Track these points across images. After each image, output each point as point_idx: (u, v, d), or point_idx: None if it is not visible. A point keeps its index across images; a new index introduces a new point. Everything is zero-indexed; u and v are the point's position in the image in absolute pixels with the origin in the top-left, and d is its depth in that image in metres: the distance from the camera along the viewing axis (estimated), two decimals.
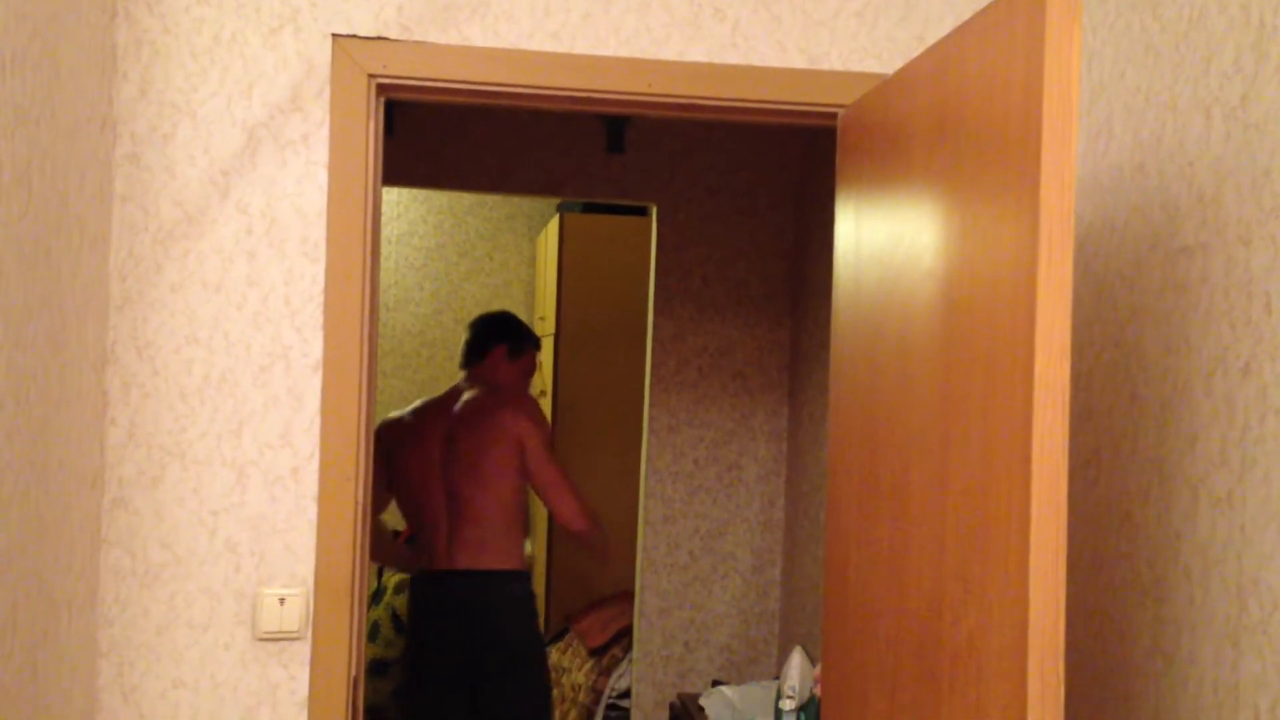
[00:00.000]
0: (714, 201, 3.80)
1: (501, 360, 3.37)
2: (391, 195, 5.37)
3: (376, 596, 4.56)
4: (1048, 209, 1.33)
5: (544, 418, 3.29)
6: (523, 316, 5.52)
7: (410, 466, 3.29)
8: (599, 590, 4.59)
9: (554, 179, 3.72)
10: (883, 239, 1.80)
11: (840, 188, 2.01)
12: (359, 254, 1.99)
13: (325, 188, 1.97)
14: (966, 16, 2.12)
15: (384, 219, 5.34)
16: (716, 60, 2.08)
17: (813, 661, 2.84)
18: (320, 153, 1.97)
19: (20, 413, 1.53)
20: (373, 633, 4.48)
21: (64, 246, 1.70)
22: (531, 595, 3.29)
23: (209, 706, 1.95)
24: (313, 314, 1.98)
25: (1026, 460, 1.32)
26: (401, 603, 4.49)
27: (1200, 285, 1.63)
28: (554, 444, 3.30)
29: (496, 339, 3.38)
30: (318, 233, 1.98)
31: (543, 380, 5.00)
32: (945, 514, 1.53)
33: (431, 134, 3.65)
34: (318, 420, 1.99)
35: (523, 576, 3.28)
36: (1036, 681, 1.30)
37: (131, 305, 1.93)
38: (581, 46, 2.04)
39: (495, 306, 5.50)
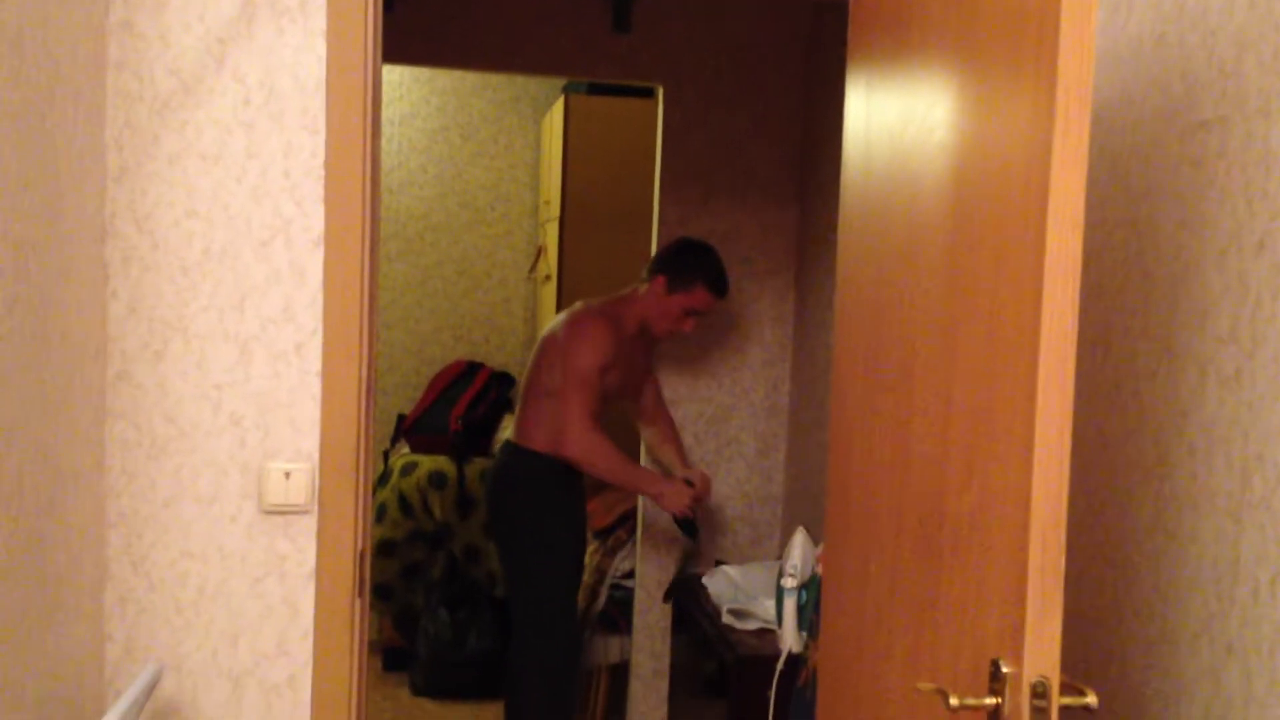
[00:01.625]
0: (722, 83, 3.73)
1: (659, 291, 3.35)
2: (393, 76, 5.28)
3: (383, 479, 4.61)
4: (1065, 78, 1.30)
5: (590, 338, 3.30)
6: (527, 200, 5.48)
7: None
8: None
9: (559, 58, 3.65)
10: (894, 114, 1.76)
11: (851, 62, 1.96)
12: (359, 127, 1.96)
13: (324, 58, 1.93)
14: None
15: (386, 100, 5.26)
16: None
17: (815, 542, 2.88)
18: (318, 21, 1.92)
19: (19, 282, 1.52)
20: (380, 514, 4.54)
21: (59, 115, 1.66)
22: (538, 476, 3.35)
23: (217, 576, 1.98)
24: (313, 188, 1.96)
25: (1035, 334, 1.31)
26: (407, 485, 4.54)
27: (1217, 160, 1.59)
28: (590, 372, 3.29)
29: (660, 268, 3.36)
30: (317, 104, 1.94)
31: (548, 265, 4.98)
32: (951, 390, 1.53)
33: (433, 10, 3.57)
34: (320, 296, 1.97)
35: (539, 456, 3.35)
36: (1038, 554, 1.30)
37: (129, 177, 1.90)
38: None
39: (501, 190, 5.45)
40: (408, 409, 5.29)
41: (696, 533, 3.47)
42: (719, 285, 3.36)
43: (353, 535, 2.01)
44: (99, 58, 1.85)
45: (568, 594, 3.47)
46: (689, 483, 3.41)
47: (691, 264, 3.34)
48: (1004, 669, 1.31)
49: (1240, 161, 1.54)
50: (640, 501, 3.86)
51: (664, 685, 3.85)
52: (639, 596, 3.85)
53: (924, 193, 1.63)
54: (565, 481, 3.38)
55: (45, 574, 1.66)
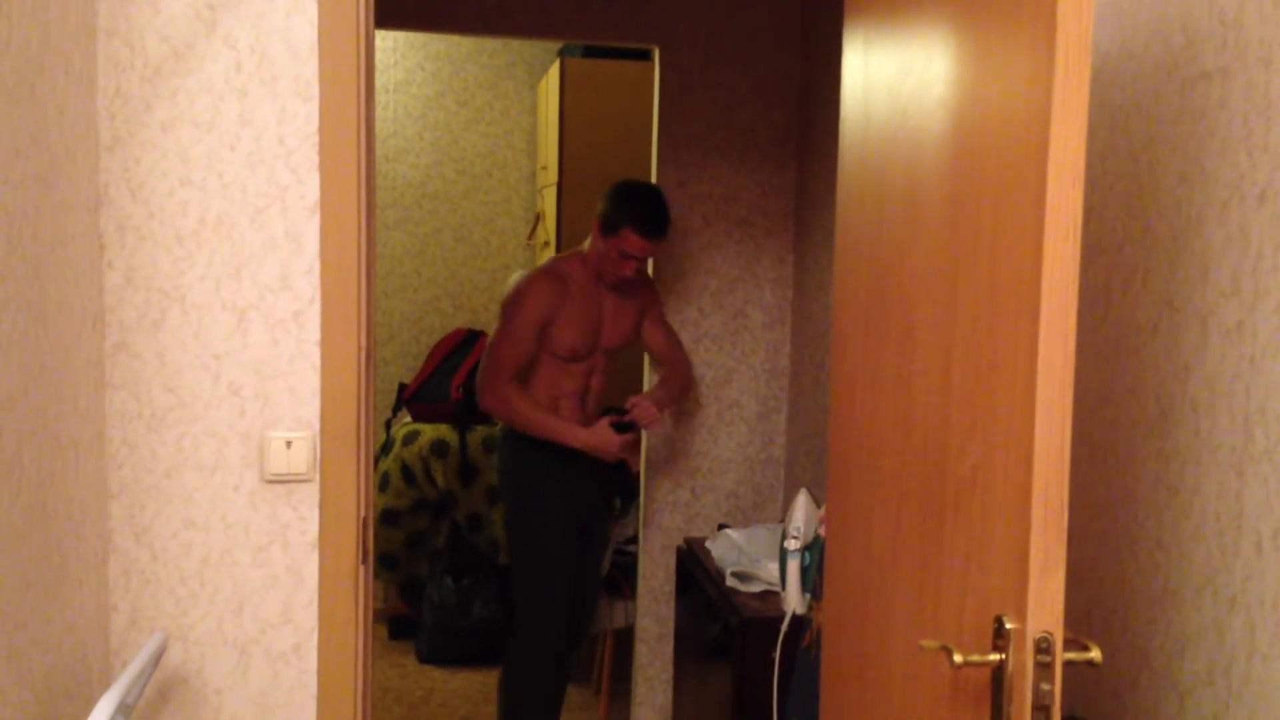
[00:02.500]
0: (719, 43, 3.70)
1: (595, 236, 3.33)
2: (386, 42, 5.24)
3: (385, 448, 4.61)
4: (1064, 29, 1.28)
5: (522, 296, 3.29)
6: (524, 166, 5.45)
7: None
8: None
9: (554, 21, 3.62)
10: (892, 70, 1.75)
11: (849, 16, 1.94)
12: (353, 92, 1.94)
13: (315, 22, 1.91)
14: None
15: (380, 66, 5.22)
16: None
17: (817, 504, 2.88)
18: None
19: (14, 253, 1.51)
20: (383, 483, 4.54)
21: (49, 83, 1.65)
22: (528, 445, 3.36)
23: (221, 546, 1.98)
24: (308, 154, 1.94)
25: (1036, 289, 1.30)
26: (410, 454, 4.54)
27: (1218, 111, 1.58)
28: (518, 328, 3.30)
29: (599, 210, 3.32)
30: (310, 70, 1.93)
31: (546, 231, 4.96)
32: (952, 347, 1.52)
33: None
34: (317, 264, 1.96)
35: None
36: (1040, 510, 1.30)
37: (122, 145, 1.89)
38: None
39: (498, 156, 5.43)
40: (408, 378, 5.28)
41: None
42: (645, 226, 3.24)
43: (355, 503, 2.01)
44: (88, 25, 1.83)
45: (560, 572, 3.38)
46: (624, 424, 3.34)
47: (618, 206, 3.25)
48: (1008, 625, 1.31)
49: (1241, 112, 1.53)
50: (643, 466, 3.86)
51: (669, 649, 3.87)
52: (643, 561, 3.86)
53: (923, 149, 1.62)
54: (561, 450, 3.34)
55: (48, 546, 1.66)
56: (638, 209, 3.24)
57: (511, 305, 3.31)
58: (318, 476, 1.99)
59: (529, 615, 3.38)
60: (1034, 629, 1.28)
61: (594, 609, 3.72)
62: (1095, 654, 1.32)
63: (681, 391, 3.65)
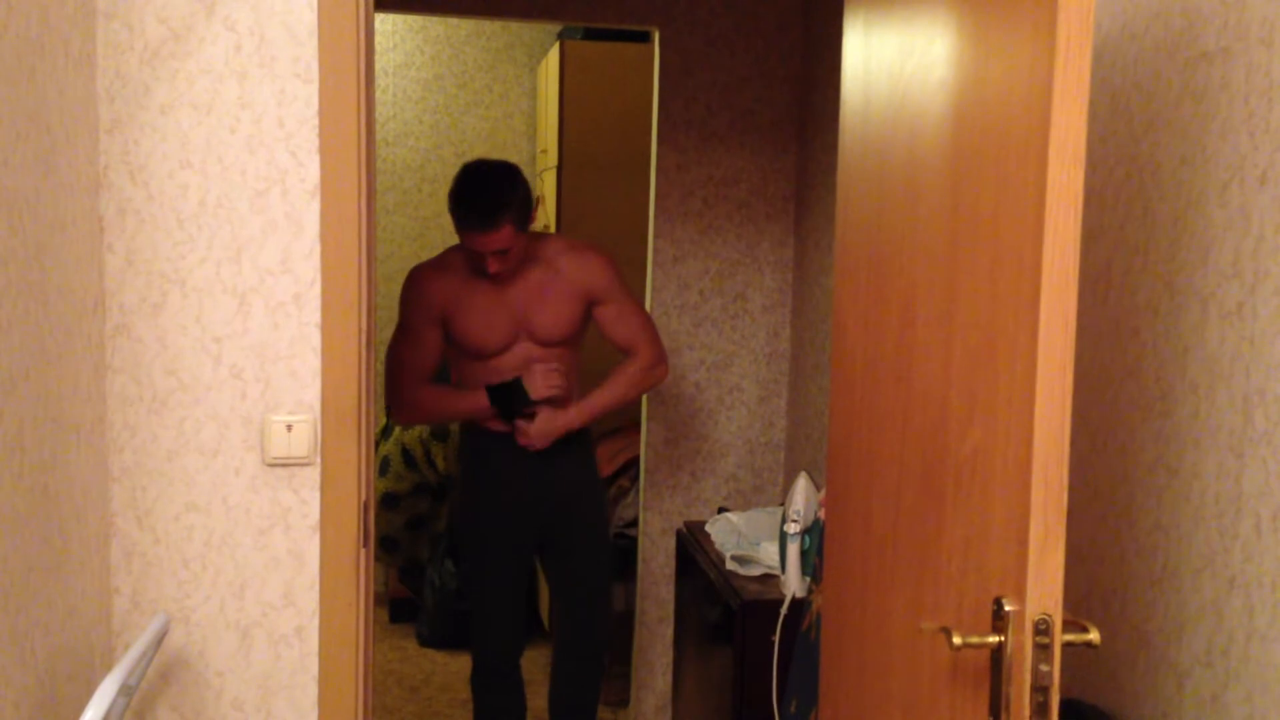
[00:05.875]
0: (719, 25, 3.69)
1: None
2: (386, 25, 5.23)
3: (386, 432, 4.62)
4: (1066, 9, 1.28)
5: (400, 298, 3.06)
6: (524, 149, 5.45)
7: None
8: (606, 423, 4.64)
9: (553, 2, 3.61)
10: (892, 52, 1.74)
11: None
12: (352, 74, 1.94)
13: (314, 3, 1.90)
14: None
15: (379, 51, 5.21)
16: None
17: (817, 487, 2.88)
18: None
19: (14, 234, 1.51)
20: (383, 467, 4.55)
21: (48, 65, 1.64)
22: (460, 449, 3.23)
23: (222, 529, 1.98)
24: (308, 137, 1.94)
25: (1036, 271, 1.30)
26: (410, 438, 4.54)
27: (1219, 92, 1.57)
28: (398, 328, 3.07)
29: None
30: (309, 52, 1.92)
31: (546, 214, 4.95)
32: (952, 329, 1.52)
33: None
34: (317, 246, 1.96)
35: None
36: (1040, 492, 1.31)
37: (121, 128, 1.88)
38: None
39: (498, 139, 5.42)
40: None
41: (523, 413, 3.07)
42: (459, 217, 2.83)
43: (356, 486, 2.02)
44: (88, 6, 1.82)
45: (491, 583, 3.10)
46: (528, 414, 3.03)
47: (449, 193, 2.89)
48: (1007, 607, 1.32)
49: (1243, 93, 1.53)
50: (643, 449, 3.87)
51: (669, 632, 3.88)
52: (642, 545, 3.87)
53: (924, 131, 1.62)
54: (506, 453, 3.06)
55: (50, 528, 1.66)
56: (454, 197, 2.86)
57: (400, 307, 3.02)
58: (318, 460, 2.00)
59: (471, 623, 3.17)
60: (1033, 610, 1.29)
61: (587, 620, 3.25)
62: (1094, 635, 1.32)
63: (631, 387, 3.13)
